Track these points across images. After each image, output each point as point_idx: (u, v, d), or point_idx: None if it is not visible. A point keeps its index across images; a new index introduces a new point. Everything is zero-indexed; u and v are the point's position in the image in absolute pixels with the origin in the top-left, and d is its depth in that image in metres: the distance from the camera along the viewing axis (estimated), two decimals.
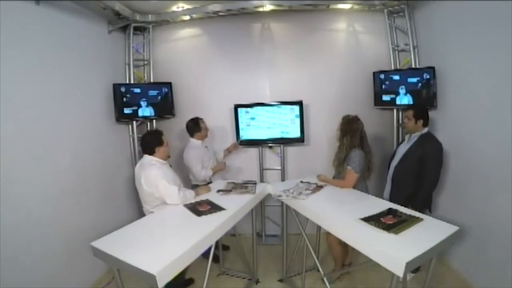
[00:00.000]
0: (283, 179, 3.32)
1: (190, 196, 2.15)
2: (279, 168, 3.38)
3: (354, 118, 2.29)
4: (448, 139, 2.33)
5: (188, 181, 2.86)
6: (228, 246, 3.22)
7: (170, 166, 2.31)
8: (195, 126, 2.78)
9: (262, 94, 3.33)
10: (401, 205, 1.84)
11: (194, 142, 2.79)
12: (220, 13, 3.04)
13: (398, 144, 2.66)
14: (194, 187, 2.55)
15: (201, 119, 2.83)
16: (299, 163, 3.39)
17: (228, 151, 3.16)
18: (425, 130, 2.29)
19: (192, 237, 1.54)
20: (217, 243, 2.80)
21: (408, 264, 1.23)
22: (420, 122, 2.27)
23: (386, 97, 3.00)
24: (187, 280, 2.40)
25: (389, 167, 2.48)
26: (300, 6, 2.96)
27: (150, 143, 2.16)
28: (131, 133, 3.28)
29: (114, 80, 3.00)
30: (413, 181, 2.25)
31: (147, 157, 2.17)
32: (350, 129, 2.25)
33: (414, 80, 2.76)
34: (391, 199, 2.24)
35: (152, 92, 3.19)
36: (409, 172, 2.27)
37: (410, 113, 2.31)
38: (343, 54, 3.25)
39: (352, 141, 2.23)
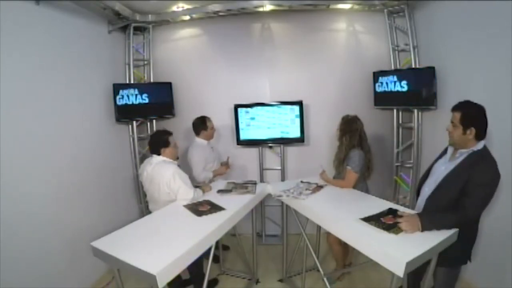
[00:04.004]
0: (283, 179, 3.32)
1: (199, 196, 2.15)
2: (279, 168, 3.38)
3: (353, 118, 2.29)
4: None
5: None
6: (228, 246, 3.22)
7: (179, 166, 2.30)
8: (201, 124, 2.73)
9: (262, 94, 3.33)
10: None
11: (199, 141, 2.75)
12: (220, 13, 3.04)
13: (435, 159, 1.76)
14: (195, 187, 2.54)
15: (208, 118, 2.79)
16: (299, 163, 3.39)
17: (219, 173, 2.81)
18: (480, 145, 1.51)
19: (192, 237, 1.54)
20: (217, 243, 2.80)
21: (408, 264, 1.23)
22: (472, 132, 1.48)
23: (386, 97, 3.00)
24: (186, 280, 2.39)
25: (419, 190, 1.77)
26: (300, 6, 2.96)
27: (156, 144, 2.14)
28: (131, 133, 3.28)
29: (114, 80, 3.00)
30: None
31: (157, 157, 2.14)
32: (349, 129, 2.25)
33: (414, 80, 2.76)
34: None
35: (152, 92, 3.19)
36: (445, 203, 1.54)
37: (456, 117, 1.53)
38: (343, 54, 3.25)
39: (351, 141, 2.23)
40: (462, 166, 1.52)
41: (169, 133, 2.20)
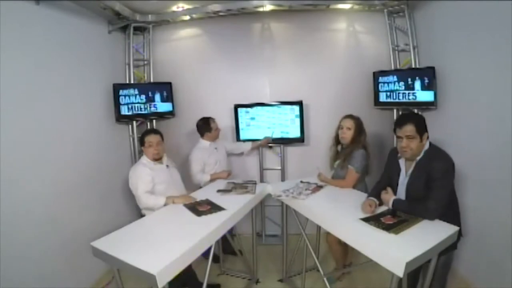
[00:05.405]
0: (283, 179, 3.32)
1: (156, 206, 2.02)
2: (279, 168, 3.38)
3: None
4: (448, 139, 2.33)
5: (188, 181, 2.73)
6: (235, 252, 2.75)
7: (167, 166, 2.29)
8: (205, 126, 2.73)
9: (262, 94, 3.33)
10: None
11: (202, 143, 2.76)
12: (220, 13, 3.04)
13: (391, 171, 1.83)
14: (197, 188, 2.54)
15: (212, 118, 2.78)
16: (299, 163, 3.39)
17: (260, 145, 3.19)
18: (427, 144, 1.64)
19: (192, 237, 1.54)
20: (224, 247, 2.80)
21: (408, 264, 1.23)
22: (426, 135, 1.61)
23: (386, 97, 3.00)
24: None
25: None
26: (300, 6, 2.96)
27: (140, 143, 2.26)
28: (131, 133, 3.28)
29: (114, 80, 3.00)
30: None
31: (142, 158, 2.25)
32: (363, 127, 2.27)
33: (414, 80, 2.76)
34: None
35: (152, 92, 3.20)
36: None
37: (410, 130, 1.57)
38: (343, 54, 3.25)
39: (365, 139, 2.25)
40: (418, 167, 1.63)
41: (149, 133, 2.23)
